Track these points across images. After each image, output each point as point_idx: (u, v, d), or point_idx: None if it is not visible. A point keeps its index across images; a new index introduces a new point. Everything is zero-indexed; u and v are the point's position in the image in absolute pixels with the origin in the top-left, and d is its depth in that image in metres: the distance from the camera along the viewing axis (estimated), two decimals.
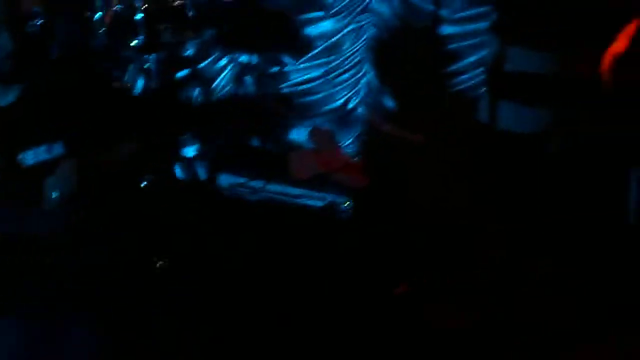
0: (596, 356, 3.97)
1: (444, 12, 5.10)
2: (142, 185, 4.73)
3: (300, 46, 5.28)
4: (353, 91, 5.31)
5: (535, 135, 4.83)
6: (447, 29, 5.11)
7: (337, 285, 4.45)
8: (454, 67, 5.13)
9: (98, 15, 5.03)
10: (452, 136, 4.98)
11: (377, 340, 4.18)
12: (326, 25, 5.25)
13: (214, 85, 5.38)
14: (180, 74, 5.23)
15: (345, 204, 4.88)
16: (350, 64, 5.28)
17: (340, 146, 5.29)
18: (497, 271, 4.50)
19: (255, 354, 4.11)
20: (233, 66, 5.37)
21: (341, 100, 5.33)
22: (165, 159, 4.95)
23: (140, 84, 5.09)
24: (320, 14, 5.24)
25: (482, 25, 5.08)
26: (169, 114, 5.13)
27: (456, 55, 5.14)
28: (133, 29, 5.03)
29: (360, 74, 5.29)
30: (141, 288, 4.30)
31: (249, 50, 5.31)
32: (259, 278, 4.45)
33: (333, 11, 5.23)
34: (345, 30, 5.25)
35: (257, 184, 4.96)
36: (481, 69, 5.10)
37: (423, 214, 4.79)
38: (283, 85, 5.34)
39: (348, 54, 5.28)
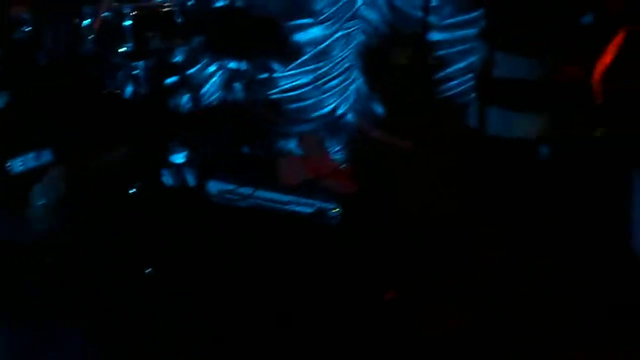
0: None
1: (432, 19, 5.11)
2: (131, 191, 4.73)
3: (289, 53, 5.28)
4: (342, 97, 5.31)
5: (524, 140, 4.85)
6: (436, 36, 5.13)
7: (327, 291, 4.44)
8: (442, 73, 5.15)
9: (87, 22, 5.03)
10: (441, 142, 4.99)
11: (368, 346, 4.17)
12: (315, 32, 5.25)
13: (203, 91, 5.38)
14: (169, 81, 5.23)
15: (334, 210, 4.87)
16: (339, 71, 5.28)
17: (329, 152, 5.29)
18: (487, 275, 4.50)
19: None
20: (222, 73, 5.37)
21: (330, 107, 5.33)
22: (154, 165, 4.94)
23: (129, 90, 5.09)
24: (309, 20, 5.24)
25: (470, 31, 5.10)
26: (158, 120, 5.12)
27: (445, 62, 5.15)
28: (122, 35, 5.02)
29: (349, 80, 5.29)
30: (130, 292, 4.29)
31: (238, 56, 5.31)
32: (248, 285, 4.44)
33: (322, 18, 5.23)
34: (334, 37, 5.25)
35: (246, 190, 4.95)
36: (470, 75, 5.11)
37: (412, 219, 4.79)
38: (272, 91, 5.33)
39: (337, 61, 5.28)
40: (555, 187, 4.73)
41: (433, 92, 5.12)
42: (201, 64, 5.36)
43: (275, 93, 5.33)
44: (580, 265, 4.42)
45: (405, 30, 5.15)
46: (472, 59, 5.10)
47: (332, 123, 5.32)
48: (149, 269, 4.41)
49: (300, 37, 5.27)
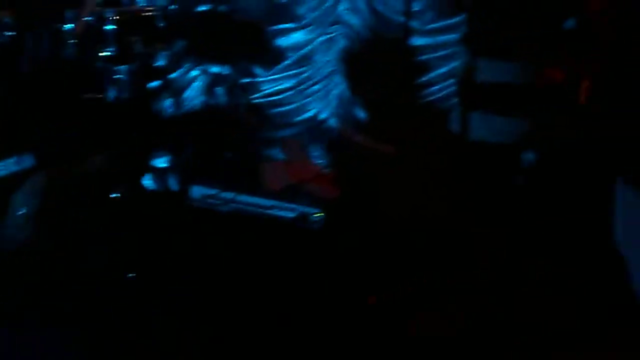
0: None
1: (414, 24, 5.12)
2: (113, 196, 4.72)
3: (272, 57, 5.28)
4: (324, 102, 5.31)
5: (507, 144, 4.86)
6: (418, 41, 5.14)
7: (310, 297, 4.44)
8: (425, 78, 5.16)
9: (69, 26, 5.01)
10: (424, 147, 5.00)
11: (351, 351, 4.17)
12: (297, 37, 5.25)
13: (185, 96, 5.37)
14: (152, 85, 5.21)
15: (316, 215, 4.87)
16: (321, 75, 5.29)
17: (311, 157, 5.29)
18: (471, 280, 4.51)
19: None
20: (204, 77, 5.36)
21: (313, 111, 5.33)
22: (136, 170, 4.93)
23: (111, 95, 5.07)
24: (291, 25, 5.24)
25: (452, 36, 5.11)
26: (141, 125, 5.11)
27: (427, 67, 5.17)
28: (104, 40, 5.01)
29: (332, 85, 5.29)
30: (113, 297, 4.28)
31: (221, 61, 5.30)
32: (231, 290, 4.43)
33: (304, 22, 5.23)
34: (317, 42, 5.25)
35: (228, 195, 4.95)
36: (452, 79, 5.13)
37: (394, 224, 4.80)
38: (254, 96, 5.33)
39: (319, 65, 5.28)
40: (539, 191, 4.75)
41: (415, 96, 5.13)
42: (184, 68, 5.35)
43: (257, 98, 5.33)
44: (566, 268, 4.44)
45: (388, 35, 5.16)
46: (454, 63, 5.11)
47: (315, 128, 5.32)
48: (131, 275, 4.41)
49: (283, 41, 5.27)
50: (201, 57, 5.31)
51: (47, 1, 5.00)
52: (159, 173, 4.97)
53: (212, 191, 4.97)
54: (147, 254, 4.56)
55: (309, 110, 5.33)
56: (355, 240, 4.68)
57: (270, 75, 5.31)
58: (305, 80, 5.29)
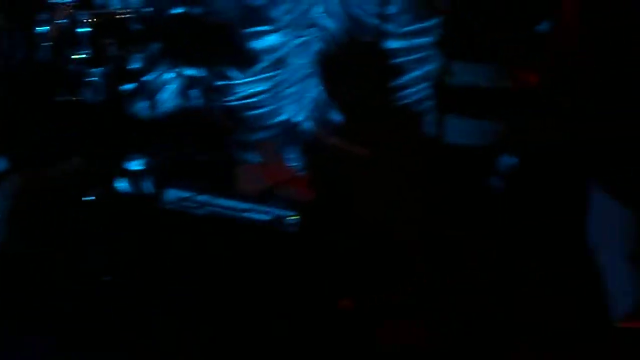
0: None
1: (389, 27, 5.12)
2: (87, 200, 4.70)
3: (247, 60, 5.27)
4: (300, 105, 5.31)
5: (482, 147, 4.88)
6: (393, 44, 5.14)
7: (285, 299, 4.45)
8: (400, 81, 5.16)
9: (43, 29, 4.99)
10: (399, 150, 5.01)
11: (325, 355, 4.18)
12: (272, 40, 5.24)
13: (159, 98, 5.34)
14: (126, 88, 5.19)
15: (292, 217, 4.87)
16: (296, 78, 5.28)
17: (287, 160, 5.28)
18: (444, 285, 4.53)
19: None
20: (179, 80, 5.34)
21: (288, 114, 5.32)
22: (111, 173, 4.91)
23: (85, 97, 5.05)
24: (266, 28, 5.23)
25: (427, 39, 5.12)
26: (115, 127, 5.09)
27: (402, 70, 5.17)
28: (78, 42, 4.99)
29: (307, 87, 5.29)
30: (88, 302, 4.27)
31: (195, 63, 5.28)
32: (205, 293, 4.43)
33: (279, 25, 5.22)
34: (292, 45, 5.24)
35: (203, 198, 4.94)
36: (427, 83, 5.13)
37: (370, 227, 4.81)
38: (229, 98, 5.32)
39: (295, 68, 5.28)
40: (513, 194, 4.77)
41: (390, 99, 5.13)
42: (158, 70, 5.33)
43: (232, 100, 5.31)
44: (541, 272, 4.46)
45: (363, 38, 5.16)
46: (429, 66, 5.12)
47: (290, 130, 5.31)
48: (107, 278, 4.40)
49: (258, 44, 5.26)
50: (176, 59, 5.29)
51: (20, 4, 4.98)
52: (133, 176, 4.96)
53: (187, 194, 4.96)
54: (122, 257, 4.55)
55: (284, 112, 5.32)
56: (331, 242, 4.69)
57: (245, 78, 5.30)
58: (281, 83, 5.29)
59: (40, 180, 4.67)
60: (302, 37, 5.24)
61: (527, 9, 4.87)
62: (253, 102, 5.31)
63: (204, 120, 5.30)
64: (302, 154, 5.29)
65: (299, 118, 5.31)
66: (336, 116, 5.26)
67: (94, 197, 4.72)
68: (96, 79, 5.01)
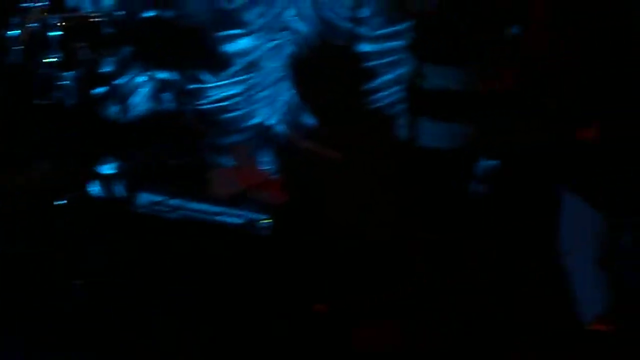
0: None
1: (361, 30, 5.13)
2: (58, 204, 4.69)
3: (219, 63, 5.26)
4: (273, 108, 5.30)
5: (454, 150, 4.89)
6: (365, 47, 5.15)
7: (258, 303, 4.44)
8: (372, 84, 5.17)
9: (14, 32, 4.96)
10: (372, 153, 5.02)
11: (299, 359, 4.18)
12: (245, 43, 5.24)
13: (132, 102, 5.33)
14: (98, 91, 5.18)
15: (265, 221, 4.87)
16: (269, 82, 5.28)
17: (260, 163, 5.28)
18: (418, 290, 4.54)
19: None
20: (151, 83, 5.33)
21: (261, 117, 5.32)
22: (82, 177, 4.90)
23: (57, 101, 5.03)
24: (239, 31, 5.23)
25: (399, 43, 5.13)
26: (87, 131, 5.07)
27: (374, 73, 5.18)
28: (50, 46, 4.97)
29: (280, 91, 5.29)
30: (60, 307, 4.26)
31: (168, 67, 5.27)
32: (178, 297, 4.42)
33: (252, 29, 5.22)
34: (264, 48, 5.24)
35: (176, 201, 4.93)
36: (399, 86, 5.14)
37: (343, 230, 4.81)
38: (202, 102, 5.31)
39: (267, 72, 5.27)
40: (485, 197, 4.79)
41: (363, 103, 5.14)
42: (130, 74, 5.31)
43: (205, 104, 5.31)
44: (511, 275, 4.48)
45: (335, 42, 5.17)
46: (401, 70, 5.13)
47: (263, 134, 5.31)
48: (78, 282, 4.39)
49: (230, 48, 5.25)
50: (148, 63, 5.28)
51: None
52: (105, 180, 4.95)
53: (160, 198, 4.95)
54: (93, 260, 4.54)
55: (257, 116, 5.32)
56: (304, 245, 4.69)
57: (218, 82, 5.29)
58: (254, 86, 5.28)
59: (11, 185, 4.65)
60: (274, 40, 5.24)
61: (497, 12, 4.89)
62: (226, 105, 5.30)
63: (176, 124, 5.29)
64: (275, 157, 5.29)
65: (272, 121, 5.31)
66: (309, 119, 5.26)
67: (65, 201, 4.70)
68: (68, 82, 4.99)
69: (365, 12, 5.13)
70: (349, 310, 4.46)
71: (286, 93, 5.27)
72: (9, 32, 4.94)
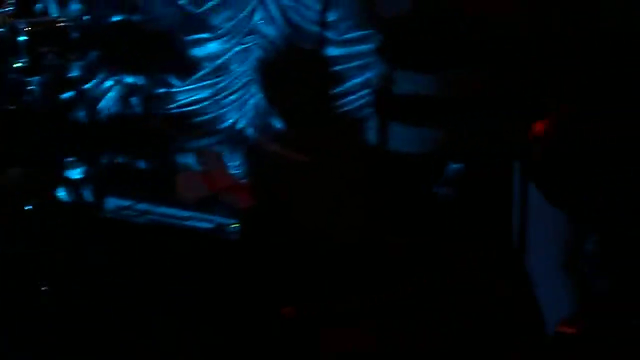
0: None
1: (329, 34, 5.14)
2: (26, 209, 4.67)
3: (187, 67, 5.26)
4: (241, 112, 5.31)
5: (423, 154, 4.92)
6: (333, 51, 5.16)
7: (227, 307, 4.44)
8: (340, 88, 5.19)
9: None
10: (341, 157, 5.03)
11: None
12: (213, 47, 5.24)
13: (99, 106, 5.32)
14: (65, 96, 5.16)
15: (233, 225, 4.87)
16: (238, 85, 5.28)
17: (228, 167, 5.28)
18: (389, 293, 4.55)
19: None
20: (119, 87, 5.32)
21: (229, 121, 5.32)
22: (50, 182, 4.88)
23: (24, 106, 5.01)
24: (206, 35, 5.22)
25: (367, 46, 5.15)
26: (54, 136, 5.05)
27: (343, 77, 5.19)
28: (17, 51, 4.94)
29: (248, 94, 5.29)
30: (27, 312, 4.25)
31: (135, 71, 5.26)
32: (146, 302, 4.42)
33: (219, 32, 5.22)
34: (232, 52, 5.24)
35: (144, 206, 4.92)
36: (368, 90, 5.16)
37: (312, 234, 4.82)
38: (170, 106, 5.30)
39: (236, 75, 5.27)
40: (454, 200, 4.81)
41: (331, 106, 5.15)
42: (98, 78, 5.30)
43: (173, 108, 5.30)
44: (481, 278, 4.50)
45: (303, 46, 5.18)
46: (369, 74, 5.15)
47: (232, 137, 5.31)
48: (44, 288, 4.37)
49: (198, 51, 5.25)
50: (115, 67, 5.27)
51: None
52: (73, 184, 4.93)
53: (128, 202, 4.94)
54: (61, 266, 4.52)
55: (226, 120, 5.32)
56: (273, 250, 4.70)
57: (186, 85, 5.29)
58: (222, 90, 5.28)
59: None
60: (242, 44, 5.24)
61: (465, 15, 4.91)
62: (194, 109, 5.30)
63: (144, 128, 5.28)
64: (243, 161, 5.29)
65: (240, 125, 5.31)
66: (277, 123, 5.27)
67: (32, 207, 4.68)
68: (35, 87, 4.97)
69: (333, 15, 5.15)
70: (317, 313, 4.47)
71: (254, 97, 5.27)
72: None
